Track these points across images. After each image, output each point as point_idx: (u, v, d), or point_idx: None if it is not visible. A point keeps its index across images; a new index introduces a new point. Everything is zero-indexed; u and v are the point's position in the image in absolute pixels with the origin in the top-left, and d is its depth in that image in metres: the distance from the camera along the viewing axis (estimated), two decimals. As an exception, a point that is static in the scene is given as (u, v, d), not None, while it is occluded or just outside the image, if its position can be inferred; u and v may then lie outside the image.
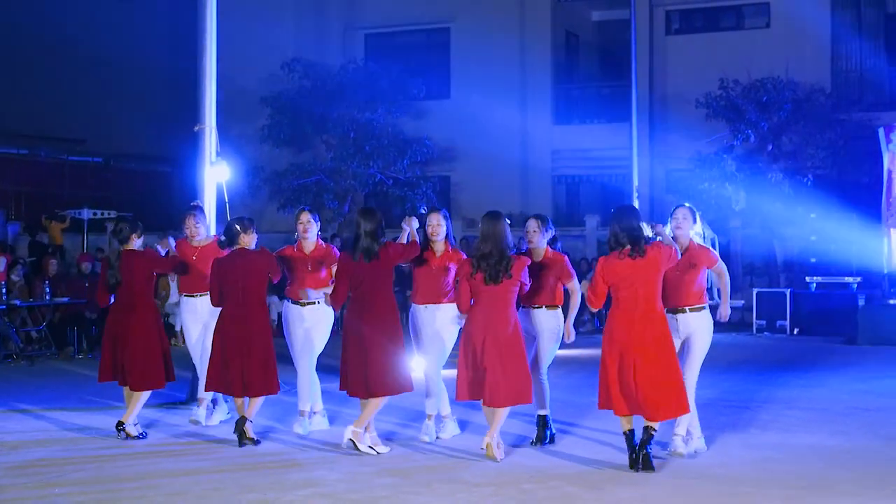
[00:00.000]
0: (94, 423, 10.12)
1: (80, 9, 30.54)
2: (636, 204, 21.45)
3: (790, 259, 22.88)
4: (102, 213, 24.36)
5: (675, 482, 7.77)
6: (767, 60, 23.46)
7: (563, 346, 9.29)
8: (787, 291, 20.08)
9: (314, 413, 9.77)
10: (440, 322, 9.22)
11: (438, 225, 9.23)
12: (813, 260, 20.31)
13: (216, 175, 11.67)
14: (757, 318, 19.92)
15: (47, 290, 16.64)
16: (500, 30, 26.71)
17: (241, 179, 16.76)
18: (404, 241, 9.03)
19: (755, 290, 20.52)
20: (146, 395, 9.56)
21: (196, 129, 11.69)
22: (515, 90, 26.78)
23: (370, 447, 8.70)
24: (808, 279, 20.42)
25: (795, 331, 19.61)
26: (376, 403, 8.74)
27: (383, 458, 8.58)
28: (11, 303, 16.24)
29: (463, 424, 9.68)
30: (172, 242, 10.13)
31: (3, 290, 16.21)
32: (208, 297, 9.37)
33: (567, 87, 28.11)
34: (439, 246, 9.27)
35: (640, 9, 24.73)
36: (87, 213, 23.86)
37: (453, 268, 9.13)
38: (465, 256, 9.13)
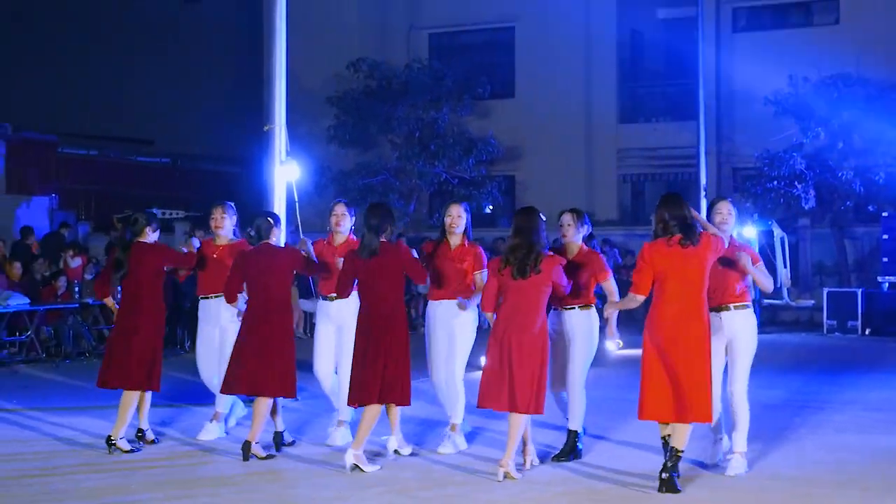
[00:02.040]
0: (164, 421, 10.19)
1: (149, 10, 30.94)
2: (703, 203, 21.28)
3: (862, 258, 22.55)
4: (171, 213, 24.59)
5: (748, 484, 7.69)
6: (837, 57, 23.11)
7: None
8: (859, 291, 19.77)
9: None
10: (453, 320, 8.76)
11: (459, 216, 8.83)
12: (885, 259, 19.96)
13: (286, 174, 11.72)
14: (827, 319, 19.64)
15: (118, 288, 16.79)
16: (564, 28, 26.56)
17: (307, 179, 16.82)
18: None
19: (825, 290, 20.22)
20: (148, 398, 9.22)
21: (266, 129, 11.74)
22: (581, 88, 26.64)
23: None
24: (880, 279, 20.11)
25: (867, 331, 19.32)
26: (396, 412, 8.44)
27: (453, 459, 8.55)
28: (84, 301, 16.47)
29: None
30: (196, 244, 9.63)
31: (77, 290, 16.45)
32: (223, 298, 9.00)
33: (632, 86, 27.90)
34: (455, 239, 8.84)
35: (706, 6, 24.46)
36: (155, 213, 24.07)
37: (468, 263, 8.72)
38: (481, 250, 8.81)
